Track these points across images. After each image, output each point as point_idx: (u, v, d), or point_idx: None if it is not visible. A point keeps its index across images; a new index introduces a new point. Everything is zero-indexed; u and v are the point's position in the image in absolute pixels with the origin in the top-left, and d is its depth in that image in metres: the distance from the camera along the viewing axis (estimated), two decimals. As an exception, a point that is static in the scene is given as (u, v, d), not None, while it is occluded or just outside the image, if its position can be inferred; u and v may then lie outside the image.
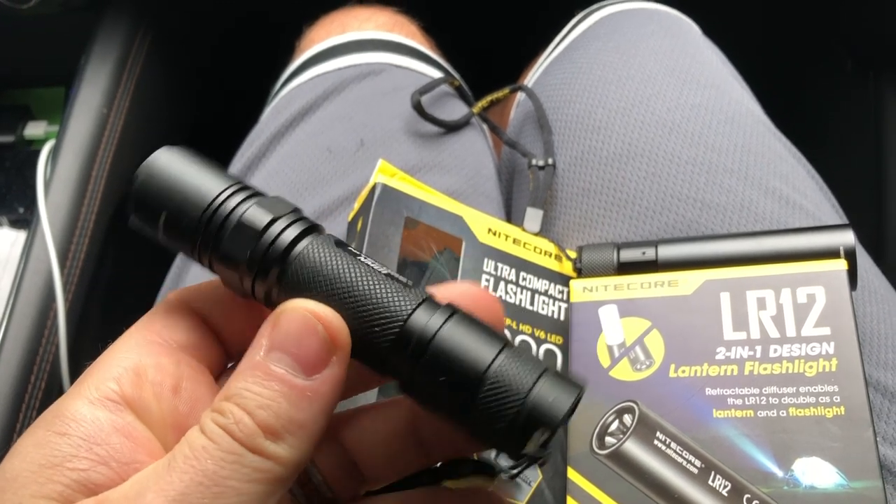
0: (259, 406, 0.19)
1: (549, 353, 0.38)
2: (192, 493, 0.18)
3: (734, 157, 0.44)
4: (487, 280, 0.38)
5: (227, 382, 0.20)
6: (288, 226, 0.21)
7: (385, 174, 0.38)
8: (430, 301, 0.21)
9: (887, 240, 0.72)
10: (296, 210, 0.22)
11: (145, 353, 0.21)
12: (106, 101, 0.57)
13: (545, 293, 0.39)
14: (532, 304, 0.39)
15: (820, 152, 0.77)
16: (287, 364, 0.19)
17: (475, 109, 0.52)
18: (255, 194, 0.22)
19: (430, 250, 0.37)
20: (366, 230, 0.36)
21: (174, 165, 0.21)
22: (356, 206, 0.39)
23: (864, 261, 0.43)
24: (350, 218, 0.39)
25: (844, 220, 0.45)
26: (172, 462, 0.18)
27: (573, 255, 0.41)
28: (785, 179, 0.44)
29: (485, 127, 0.55)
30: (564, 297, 0.40)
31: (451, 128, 0.49)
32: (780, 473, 0.32)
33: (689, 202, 0.42)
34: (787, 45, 0.81)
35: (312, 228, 0.22)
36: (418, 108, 0.47)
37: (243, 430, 0.18)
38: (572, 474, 0.34)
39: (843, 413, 0.32)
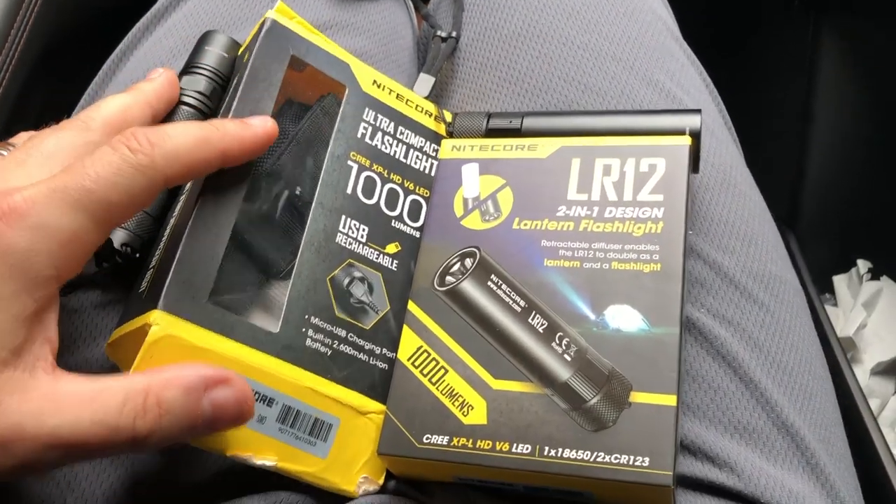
0: None
1: (414, 202, 0.40)
2: None
3: (624, 48, 0.45)
4: (365, 129, 0.40)
5: None
6: None
7: (280, 14, 0.39)
8: None
9: (807, 172, 0.75)
10: None
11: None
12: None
13: (419, 149, 0.42)
14: (406, 157, 0.41)
15: (752, 82, 0.79)
16: None
17: (397, -20, 0.53)
18: None
19: (314, 94, 0.39)
20: (248, 62, 0.37)
21: None
22: (246, 41, 0.40)
23: (737, 160, 0.46)
24: (240, 52, 0.40)
25: (726, 122, 0.48)
26: None
27: (449, 118, 0.43)
28: (671, 76, 0.46)
29: (409, 1, 0.56)
30: (437, 155, 0.42)
31: (370, -8, 0.51)
32: (592, 317, 0.35)
33: (573, 84, 0.44)
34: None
35: None
36: (334, -32, 0.48)
37: None
38: (412, 307, 0.37)
39: (658, 269, 0.35)
